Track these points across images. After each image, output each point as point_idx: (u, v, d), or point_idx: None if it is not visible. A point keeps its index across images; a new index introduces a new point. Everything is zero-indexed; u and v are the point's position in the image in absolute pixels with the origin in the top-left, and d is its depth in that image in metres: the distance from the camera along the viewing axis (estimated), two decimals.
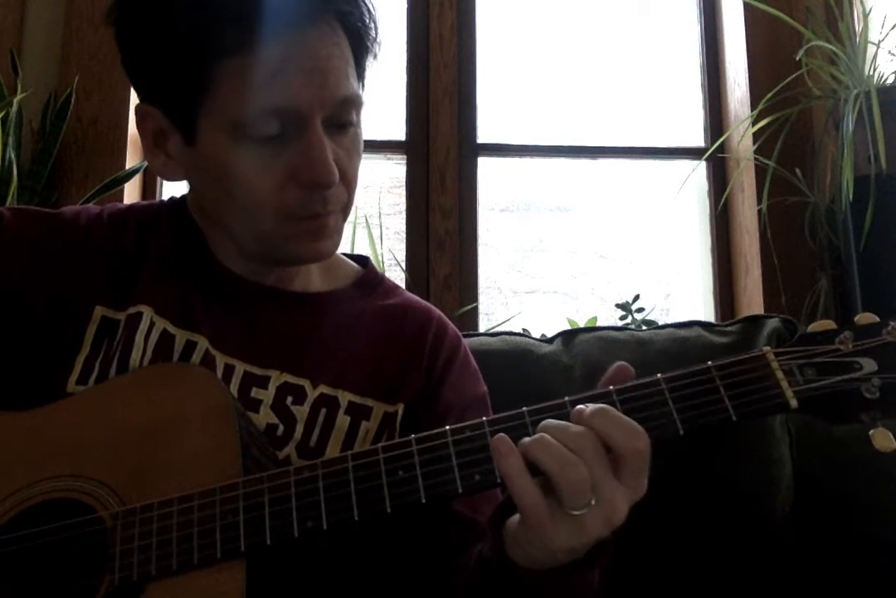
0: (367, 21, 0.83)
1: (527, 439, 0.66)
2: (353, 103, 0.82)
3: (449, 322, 0.99)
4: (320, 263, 0.95)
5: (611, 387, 0.69)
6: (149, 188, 2.02)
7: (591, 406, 0.66)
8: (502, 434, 0.67)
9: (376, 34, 0.85)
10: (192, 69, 0.78)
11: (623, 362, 0.71)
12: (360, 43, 0.84)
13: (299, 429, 0.86)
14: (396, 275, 2.02)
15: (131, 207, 0.97)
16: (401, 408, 0.90)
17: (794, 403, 0.67)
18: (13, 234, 0.89)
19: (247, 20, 0.76)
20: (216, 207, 0.86)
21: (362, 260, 1.02)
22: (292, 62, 0.77)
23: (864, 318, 0.69)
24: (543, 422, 0.67)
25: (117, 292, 0.88)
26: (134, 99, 1.91)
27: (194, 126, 0.81)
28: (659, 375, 0.69)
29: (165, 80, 0.81)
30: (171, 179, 0.89)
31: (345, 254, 1.02)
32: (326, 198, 0.82)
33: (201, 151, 0.82)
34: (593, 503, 0.64)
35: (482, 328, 2.05)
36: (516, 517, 0.68)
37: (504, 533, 0.70)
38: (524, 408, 0.70)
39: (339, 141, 0.82)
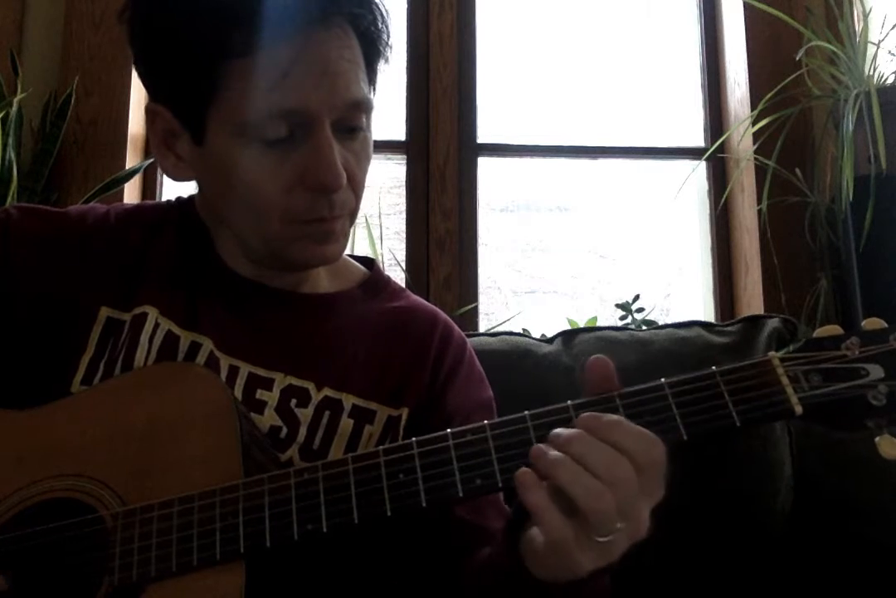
0: (379, 24, 0.83)
1: (552, 455, 0.63)
2: (363, 107, 0.81)
3: (455, 326, 0.99)
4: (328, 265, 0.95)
5: (614, 392, 0.69)
6: (149, 188, 2.01)
7: (604, 418, 0.64)
8: (526, 469, 0.64)
9: (388, 38, 0.84)
10: (202, 70, 0.77)
11: (598, 356, 0.69)
12: (372, 46, 0.83)
13: (302, 432, 0.86)
14: (396, 275, 2.01)
15: (138, 207, 0.96)
16: (405, 412, 0.90)
17: (798, 409, 0.66)
18: (20, 233, 0.89)
19: (255, 21, 0.75)
20: (223, 209, 0.86)
21: (368, 262, 1.01)
22: (301, 64, 0.76)
23: (871, 323, 0.68)
24: (564, 435, 0.64)
25: (123, 293, 0.88)
26: (134, 99, 1.94)
27: (203, 126, 0.80)
28: (663, 380, 0.68)
29: (175, 81, 0.81)
30: (181, 179, 0.88)
31: (350, 255, 1.02)
32: (333, 202, 0.81)
33: (209, 151, 0.81)
34: (620, 526, 0.62)
35: (482, 328, 2.04)
36: (534, 533, 0.65)
37: (523, 549, 0.68)
38: (526, 412, 0.69)
39: (348, 145, 0.81)
